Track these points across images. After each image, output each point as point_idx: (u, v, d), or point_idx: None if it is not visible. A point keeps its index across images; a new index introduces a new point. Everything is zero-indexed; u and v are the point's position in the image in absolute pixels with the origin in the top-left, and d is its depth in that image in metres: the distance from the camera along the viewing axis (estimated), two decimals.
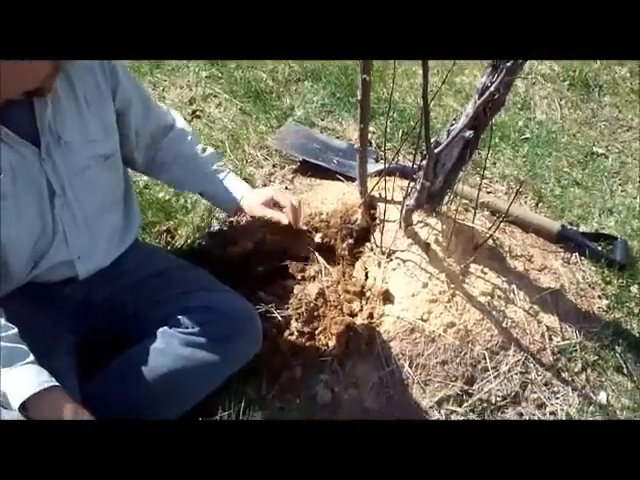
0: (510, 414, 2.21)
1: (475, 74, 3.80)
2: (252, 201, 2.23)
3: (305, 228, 2.35)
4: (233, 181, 2.26)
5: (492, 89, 1.94)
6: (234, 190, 2.25)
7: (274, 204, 2.23)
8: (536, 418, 2.22)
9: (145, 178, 2.91)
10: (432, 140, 2.08)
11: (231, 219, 2.47)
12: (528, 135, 3.44)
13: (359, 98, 2.10)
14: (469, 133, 2.10)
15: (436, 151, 2.05)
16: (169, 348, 1.96)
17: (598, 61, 4.07)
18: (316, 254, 2.28)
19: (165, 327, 1.99)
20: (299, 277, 2.26)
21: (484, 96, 1.98)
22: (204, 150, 2.26)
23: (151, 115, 2.11)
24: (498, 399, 2.22)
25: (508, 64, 1.87)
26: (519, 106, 3.65)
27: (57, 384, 1.63)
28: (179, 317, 1.98)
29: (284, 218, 2.20)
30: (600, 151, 3.42)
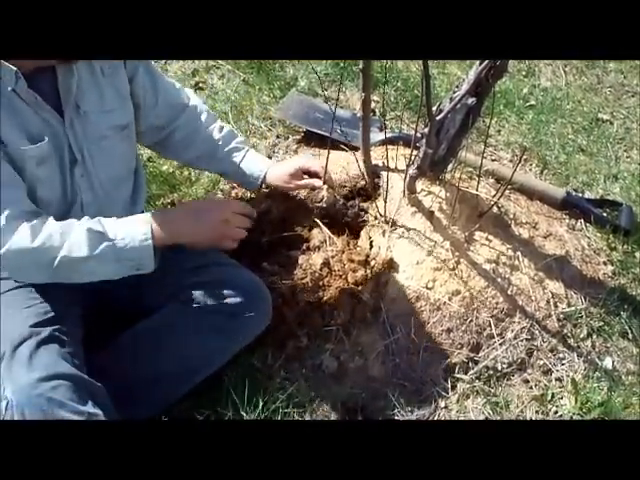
0: (516, 380, 2.22)
1: None
2: (278, 175, 2.27)
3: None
4: (254, 158, 2.28)
5: None
6: (255, 167, 2.27)
7: (303, 172, 2.28)
8: (542, 384, 2.23)
9: (148, 151, 2.91)
10: (434, 107, 2.07)
11: (235, 190, 2.49)
12: (533, 102, 3.42)
13: (361, 67, 2.08)
14: (471, 100, 2.09)
15: (438, 118, 2.04)
16: (181, 322, 1.98)
17: None
18: (320, 224, 2.27)
19: (176, 301, 2.00)
20: (303, 247, 2.26)
21: (485, 62, 1.97)
22: (222, 129, 2.26)
23: (161, 90, 2.11)
24: (504, 366, 2.22)
25: None
26: (524, 73, 3.64)
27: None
28: (190, 291, 2.00)
29: (317, 182, 2.26)
30: (605, 117, 3.41)
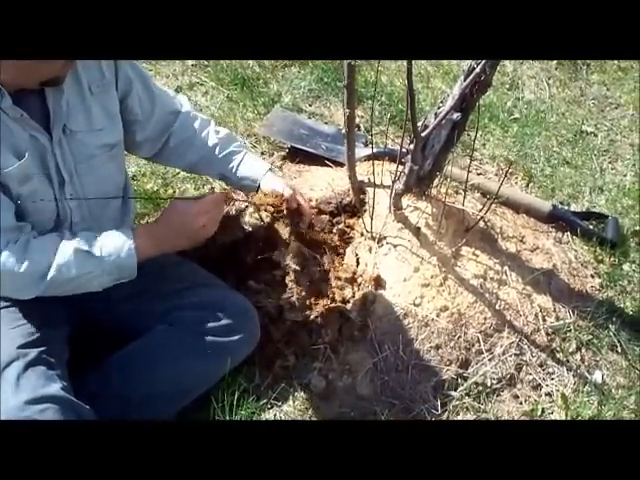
0: (506, 396, 2.21)
1: None
2: (270, 182, 2.19)
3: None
4: (251, 162, 2.23)
5: (478, 70, 1.93)
6: (252, 171, 2.21)
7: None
8: (532, 400, 2.21)
9: (132, 169, 2.90)
10: (419, 123, 2.06)
11: None
12: (517, 115, 3.43)
13: (345, 83, 2.07)
14: (456, 115, 2.08)
15: (423, 134, 2.03)
16: (169, 344, 1.97)
17: None
18: (301, 246, 2.25)
19: (164, 323, 1.99)
20: (289, 264, 2.24)
21: (470, 77, 1.97)
22: (218, 132, 2.23)
23: (157, 101, 2.10)
24: (493, 382, 2.21)
25: None
26: (507, 86, 3.65)
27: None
28: (178, 314, 1.99)
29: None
30: (589, 129, 3.42)
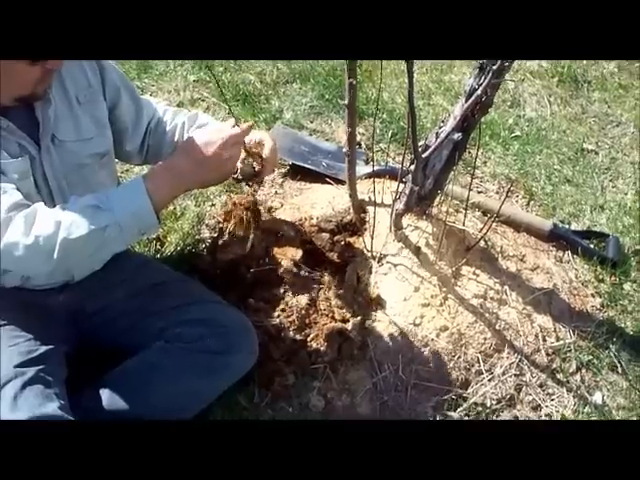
0: (505, 417, 2.20)
1: (464, 72, 3.79)
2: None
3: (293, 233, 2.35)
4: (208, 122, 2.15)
5: (479, 92, 1.93)
6: None
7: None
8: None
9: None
10: (420, 143, 2.07)
11: (221, 225, 2.46)
12: (518, 133, 3.43)
13: (346, 102, 2.07)
14: (458, 135, 2.09)
15: (424, 155, 2.03)
16: (166, 361, 1.95)
17: None
18: (301, 266, 2.25)
19: (161, 340, 1.98)
20: (289, 282, 2.24)
21: (472, 98, 1.97)
22: (183, 118, 2.16)
23: (143, 110, 2.11)
24: (493, 402, 2.20)
25: (495, 66, 1.86)
26: (508, 104, 3.65)
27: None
28: (175, 330, 1.98)
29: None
30: (590, 147, 3.42)
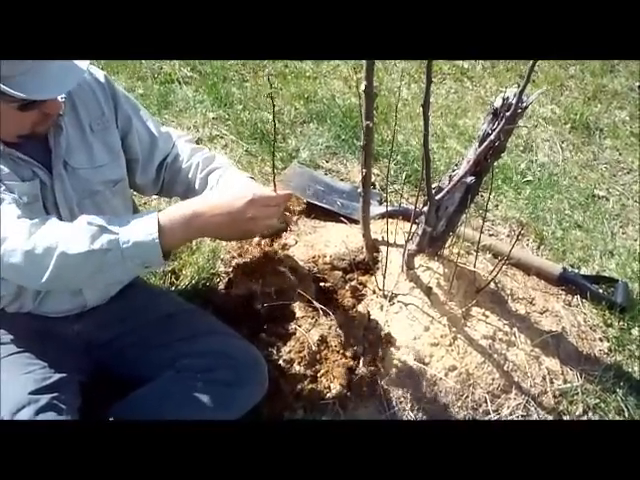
0: None
1: (478, 117, 3.85)
2: None
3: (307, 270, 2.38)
4: (230, 176, 2.06)
5: (492, 137, 1.97)
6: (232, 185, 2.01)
7: None
8: None
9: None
10: (434, 185, 2.11)
11: (235, 260, 2.51)
12: (530, 177, 3.48)
13: (362, 143, 2.12)
14: (471, 179, 2.12)
15: (437, 197, 2.07)
16: (175, 392, 1.96)
17: (599, 104, 4.12)
18: (313, 301, 2.28)
19: (171, 371, 1.99)
20: (301, 318, 2.27)
21: (485, 143, 2.01)
22: (200, 155, 2.14)
23: (157, 145, 2.10)
24: None
25: (508, 113, 1.90)
26: (521, 148, 3.70)
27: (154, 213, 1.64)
28: (185, 361, 1.99)
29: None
30: (601, 194, 3.46)
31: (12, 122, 1.66)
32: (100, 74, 1.94)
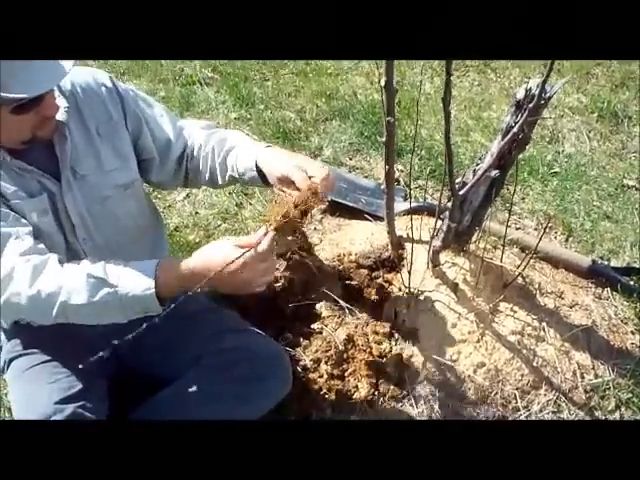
0: None
1: (502, 109, 3.81)
2: (269, 170, 1.93)
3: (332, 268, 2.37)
4: (246, 151, 2.02)
5: (516, 129, 1.94)
6: (249, 162, 1.99)
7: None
8: None
9: (175, 220, 2.96)
10: (458, 180, 2.08)
11: None
12: (557, 169, 3.43)
13: (385, 140, 2.09)
14: (495, 172, 2.10)
15: (461, 192, 2.05)
16: (200, 389, 1.97)
17: (627, 92, 4.06)
18: (338, 300, 2.27)
19: (194, 370, 2.00)
20: (327, 317, 2.27)
21: (508, 136, 1.98)
22: (213, 138, 2.11)
23: (174, 142, 2.08)
24: None
25: (531, 104, 1.87)
26: (547, 139, 3.65)
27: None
28: (209, 359, 2.00)
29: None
30: (630, 183, 3.39)
31: (10, 128, 1.66)
32: (105, 77, 1.94)
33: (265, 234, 1.64)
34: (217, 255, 1.64)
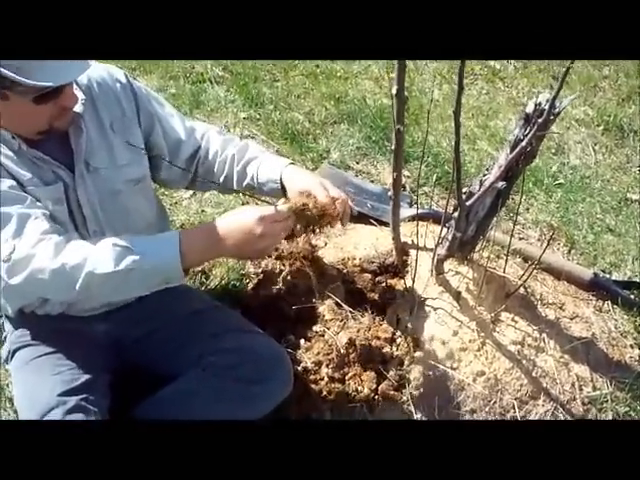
0: None
1: (509, 118, 3.83)
2: (293, 183, 2.00)
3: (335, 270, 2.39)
4: (269, 163, 2.09)
5: (524, 143, 1.96)
6: (271, 173, 2.06)
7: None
8: None
9: (182, 217, 2.97)
10: (464, 190, 2.10)
11: (266, 262, 2.51)
12: (562, 180, 3.45)
13: (393, 147, 2.11)
14: (501, 184, 2.11)
15: (468, 203, 2.07)
16: (201, 390, 1.98)
17: (633, 105, 4.08)
18: (341, 303, 2.29)
19: (197, 368, 2.01)
20: (330, 320, 2.28)
21: (517, 149, 2.00)
22: (234, 146, 2.15)
23: (185, 137, 2.12)
24: None
25: (540, 119, 1.89)
26: (553, 151, 3.67)
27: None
28: (211, 358, 2.01)
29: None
30: (634, 197, 3.42)
31: (29, 117, 1.69)
32: (120, 74, 1.97)
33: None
34: (240, 224, 1.72)
